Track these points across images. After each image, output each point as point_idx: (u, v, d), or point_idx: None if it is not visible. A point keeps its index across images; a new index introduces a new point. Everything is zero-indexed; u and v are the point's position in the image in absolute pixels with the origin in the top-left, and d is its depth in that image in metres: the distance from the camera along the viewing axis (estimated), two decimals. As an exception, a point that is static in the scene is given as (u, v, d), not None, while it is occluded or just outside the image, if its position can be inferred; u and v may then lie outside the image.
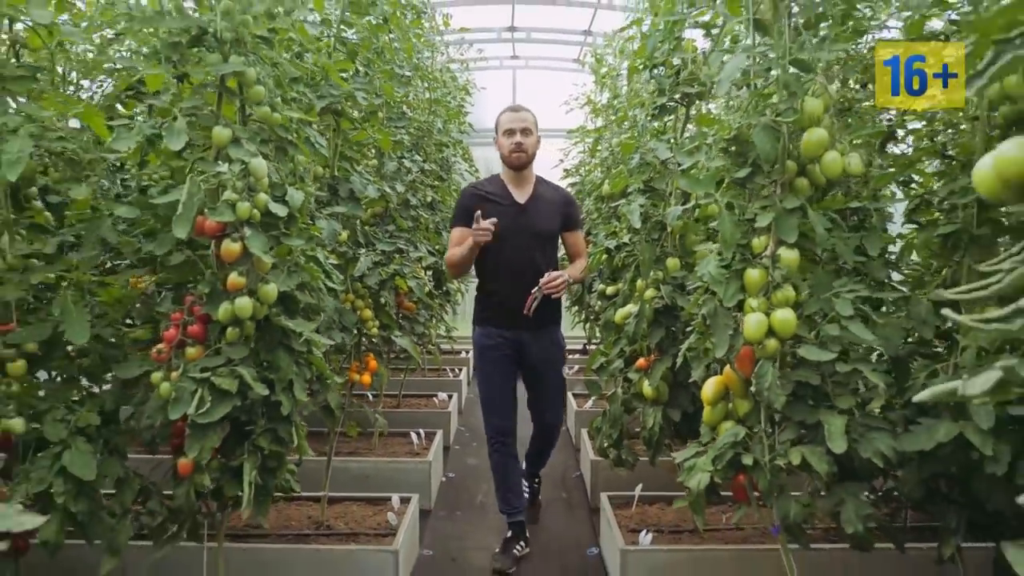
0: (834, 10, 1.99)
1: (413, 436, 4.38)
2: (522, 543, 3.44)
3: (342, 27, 2.97)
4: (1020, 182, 0.75)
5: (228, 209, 1.71)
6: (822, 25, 2.00)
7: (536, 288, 3.24)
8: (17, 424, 1.75)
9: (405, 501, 3.43)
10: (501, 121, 3.45)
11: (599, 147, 5.15)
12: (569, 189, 5.39)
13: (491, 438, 3.43)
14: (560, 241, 3.59)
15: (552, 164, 6.41)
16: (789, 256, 1.94)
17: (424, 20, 4.67)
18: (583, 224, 3.76)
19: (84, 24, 1.90)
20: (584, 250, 3.58)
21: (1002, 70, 0.87)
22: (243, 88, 1.85)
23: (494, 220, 3.16)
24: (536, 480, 4.02)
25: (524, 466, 3.88)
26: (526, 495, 3.75)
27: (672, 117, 2.92)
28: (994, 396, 0.78)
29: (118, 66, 1.89)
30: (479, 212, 3.18)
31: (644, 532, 3.02)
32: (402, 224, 3.65)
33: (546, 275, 3.25)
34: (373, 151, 3.66)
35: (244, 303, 1.77)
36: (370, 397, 4.99)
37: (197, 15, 1.78)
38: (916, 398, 0.91)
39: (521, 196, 3.43)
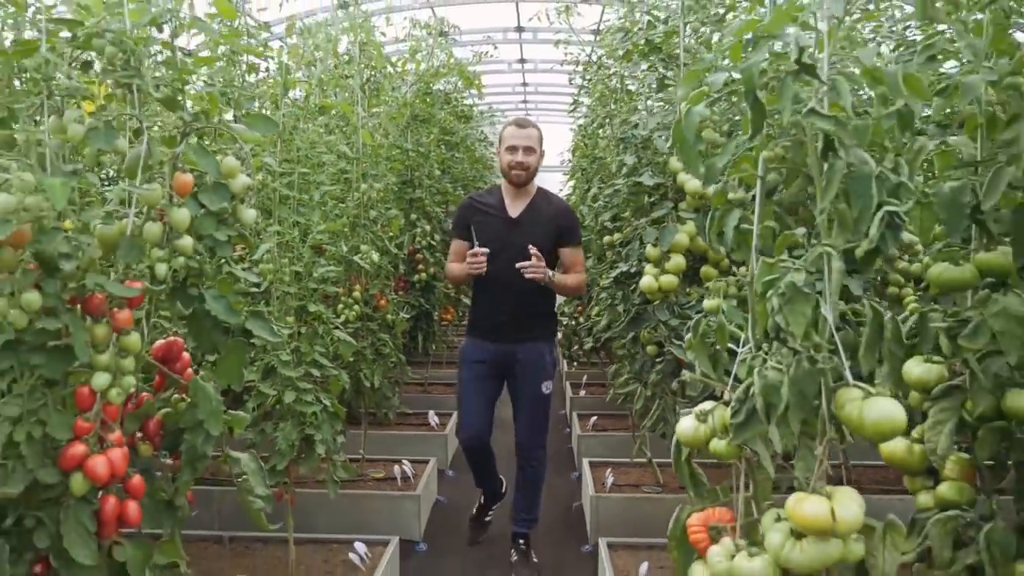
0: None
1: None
2: (493, 508, 3.76)
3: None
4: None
5: (419, 242, 4.98)
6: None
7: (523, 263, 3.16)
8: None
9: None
10: (505, 136, 3.38)
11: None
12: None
13: (464, 445, 3.47)
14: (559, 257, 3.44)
15: (554, 190, 9.60)
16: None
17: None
18: (580, 239, 3.59)
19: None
20: (579, 266, 3.47)
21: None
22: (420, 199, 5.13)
23: (486, 251, 3.21)
24: (522, 541, 3.55)
25: (512, 526, 3.59)
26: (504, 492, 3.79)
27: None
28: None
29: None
30: (475, 247, 3.24)
31: (582, 389, 6.26)
32: (461, 239, 6.90)
33: (533, 259, 3.15)
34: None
35: (423, 276, 5.06)
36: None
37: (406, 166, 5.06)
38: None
39: (515, 210, 3.38)
